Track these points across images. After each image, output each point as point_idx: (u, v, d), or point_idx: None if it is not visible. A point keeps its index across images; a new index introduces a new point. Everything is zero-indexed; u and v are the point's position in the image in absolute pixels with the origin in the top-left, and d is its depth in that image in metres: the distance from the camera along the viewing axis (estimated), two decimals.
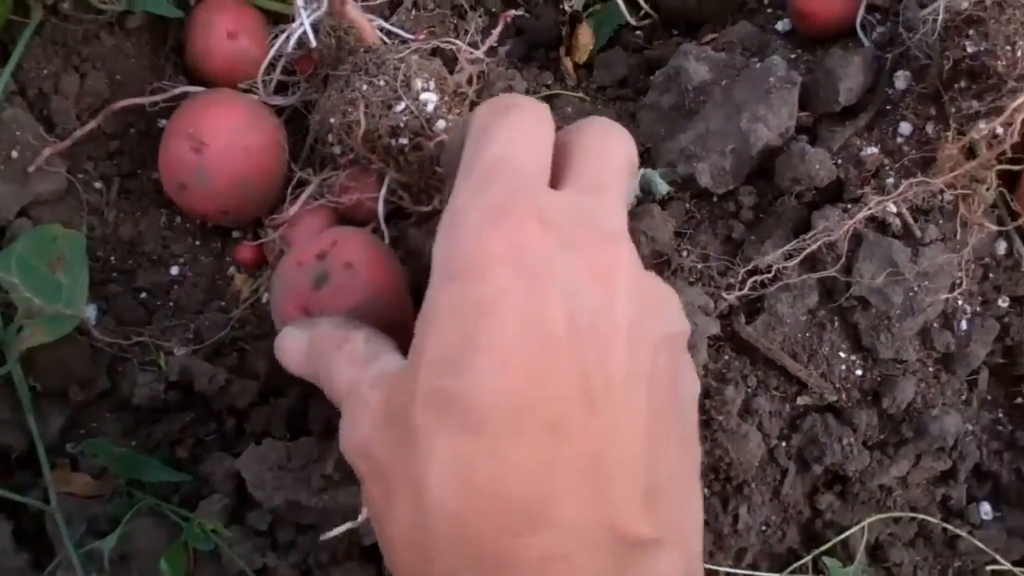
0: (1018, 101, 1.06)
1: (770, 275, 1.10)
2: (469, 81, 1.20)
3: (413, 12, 1.26)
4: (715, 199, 1.18)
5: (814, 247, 1.09)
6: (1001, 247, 1.14)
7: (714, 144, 1.16)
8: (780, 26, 1.26)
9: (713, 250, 1.15)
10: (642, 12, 1.33)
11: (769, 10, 1.28)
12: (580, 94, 1.26)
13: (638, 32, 1.34)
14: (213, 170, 1.12)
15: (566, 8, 1.29)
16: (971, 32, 1.07)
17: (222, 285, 1.20)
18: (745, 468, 1.06)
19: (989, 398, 1.18)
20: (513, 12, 1.28)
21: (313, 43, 1.14)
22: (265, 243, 1.16)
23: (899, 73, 1.16)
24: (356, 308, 1.04)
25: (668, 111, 1.22)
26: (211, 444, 1.14)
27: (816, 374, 1.11)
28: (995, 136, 1.08)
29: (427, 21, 1.26)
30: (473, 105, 1.21)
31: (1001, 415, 1.18)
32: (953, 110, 1.10)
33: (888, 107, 1.16)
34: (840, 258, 1.09)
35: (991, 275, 1.15)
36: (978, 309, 1.14)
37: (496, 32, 1.21)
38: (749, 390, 1.11)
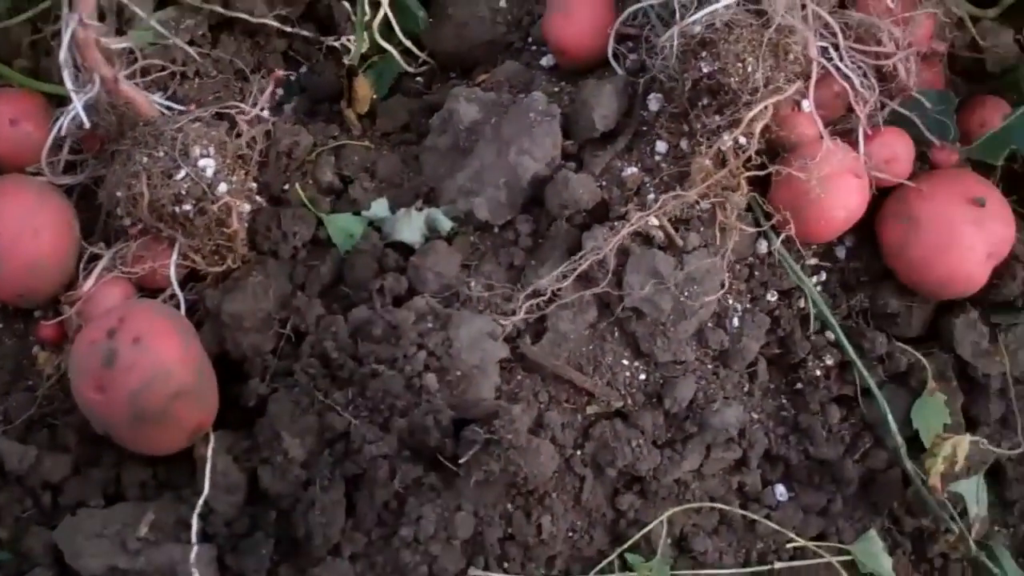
0: (753, 112, 1.15)
1: (546, 297, 1.17)
2: (254, 141, 1.26)
3: (197, 81, 1.31)
4: (496, 230, 1.24)
5: (585, 266, 1.16)
6: (763, 246, 1.23)
7: (488, 179, 1.23)
8: (544, 61, 1.34)
9: (498, 278, 1.22)
10: (420, 59, 1.40)
11: (534, 47, 1.36)
12: (366, 143, 1.32)
13: (418, 78, 1.41)
14: (3, 255, 1.15)
15: (345, 62, 1.35)
16: (705, 54, 1.16)
17: (27, 364, 1.23)
18: (540, 480, 1.13)
19: (771, 387, 1.26)
20: (282, 72, 1.33)
21: (87, 123, 1.17)
22: (65, 320, 1.19)
23: (652, 96, 1.25)
24: (149, 382, 1.08)
25: (446, 152, 1.28)
26: (29, 520, 1.17)
27: (602, 383, 1.18)
28: (739, 146, 1.17)
29: (211, 88, 1.32)
30: (261, 166, 1.27)
31: (784, 401, 1.26)
32: (699, 126, 1.18)
33: (644, 128, 1.25)
34: (610, 273, 1.16)
35: (756, 273, 1.23)
36: (748, 306, 1.22)
37: (268, 92, 1.27)
38: (541, 406, 1.17)
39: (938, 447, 1.10)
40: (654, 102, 1.25)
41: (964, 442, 1.11)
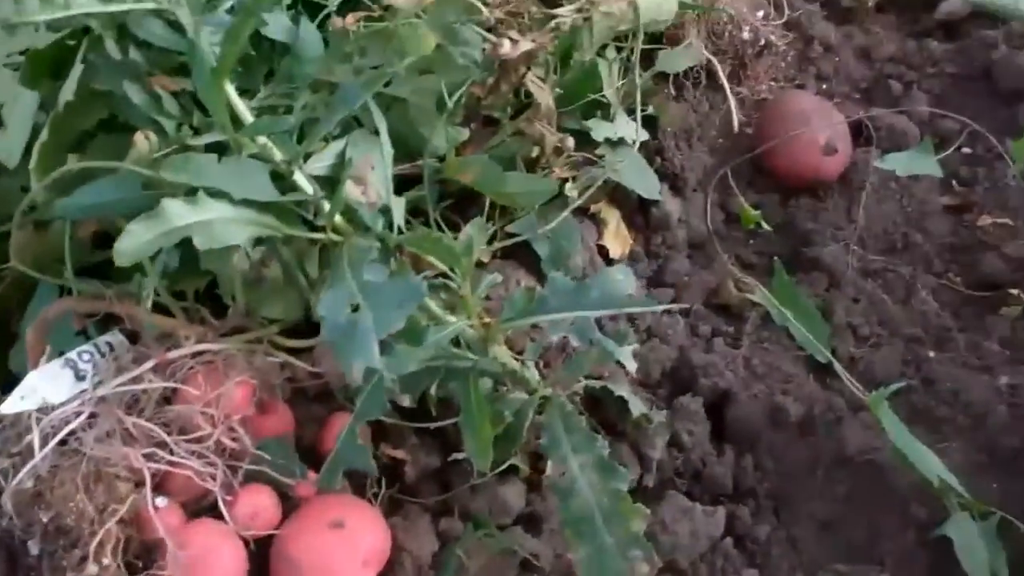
0: (97, 538, 1.25)
1: None
2: None
3: None
4: None
5: None
6: None
7: None
8: None
9: None
10: None
11: None
12: None
13: None
14: None
15: None
16: (41, 504, 1.25)
17: None
18: None
19: None
20: None
21: None
22: None
23: (31, 542, 1.31)
24: None
25: None
26: None
27: None
28: (105, 567, 1.25)
29: None
30: None
31: None
32: (65, 563, 1.26)
33: None
34: None
35: None
36: None
37: None
38: None
39: None
40: (34, 547, 1.33)
41: None
